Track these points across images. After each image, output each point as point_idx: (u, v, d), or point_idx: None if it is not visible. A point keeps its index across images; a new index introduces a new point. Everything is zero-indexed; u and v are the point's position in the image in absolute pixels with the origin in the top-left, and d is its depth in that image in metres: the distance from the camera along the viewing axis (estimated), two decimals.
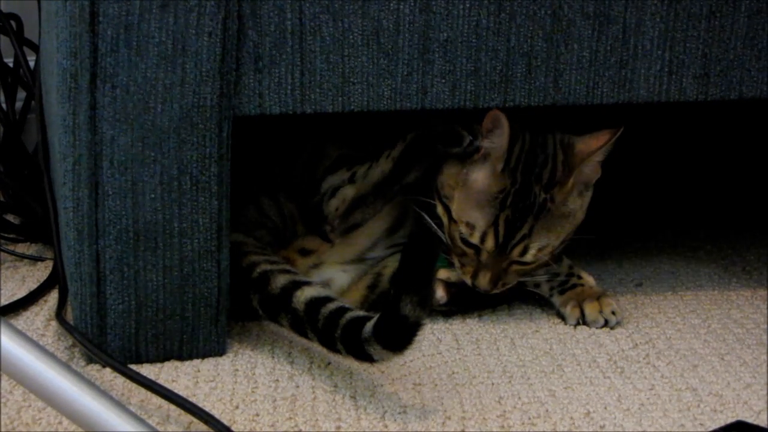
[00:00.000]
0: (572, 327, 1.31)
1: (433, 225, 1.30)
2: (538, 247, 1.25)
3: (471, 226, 1.25)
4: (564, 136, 1.27)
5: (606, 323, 1.31)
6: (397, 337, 1.05)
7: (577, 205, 1.27)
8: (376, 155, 1.28)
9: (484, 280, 1.26)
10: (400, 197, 1.31)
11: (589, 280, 1.37)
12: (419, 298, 1.03)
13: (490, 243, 1.25)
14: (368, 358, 1.08)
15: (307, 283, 1.20)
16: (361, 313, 1.12)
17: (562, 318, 1.34)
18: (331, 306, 1.14)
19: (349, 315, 1.12)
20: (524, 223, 1.24)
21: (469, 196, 1.25)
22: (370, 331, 1.06)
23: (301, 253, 1.33)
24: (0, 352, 0.89)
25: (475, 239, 1.25)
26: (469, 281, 1.27)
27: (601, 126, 1.26)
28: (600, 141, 1.24)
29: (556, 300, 1.35)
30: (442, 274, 1.30)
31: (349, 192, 1.29)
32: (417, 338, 1.05)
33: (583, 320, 1.32)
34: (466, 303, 1.33)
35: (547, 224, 1.25)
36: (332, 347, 1.12)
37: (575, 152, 1.25)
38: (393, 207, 1.34)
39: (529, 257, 1.25)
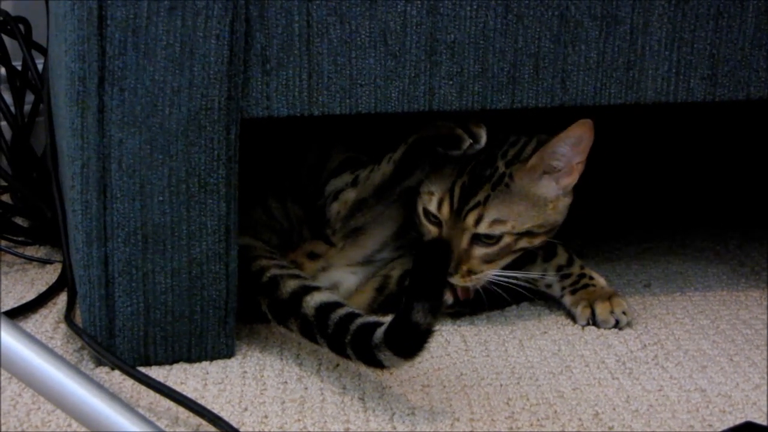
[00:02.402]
0: (581, 328, 1.31)
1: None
2: (493, 219, 1.25)
3: (431, 194, 1.27)
4: (544, 135, 1.29)
5: (617, 323, 1.31)
6: (408, 343, 1.05)
7: (544, 195, 1.27)
8: (379, 158, 1.28)
9: None
10: (402, 200, 1.31)
11: (600, 280, 1.37)
12: (430, 305, 1.03)
13: (445, 209, 1.26)
14: (378, 364, 1.08)
15: (317, 288, 1.20)
16: (371, 319, 1.12)
17: (573, 318, 1.33)
18: (341, 311, 1.14)
19: (359, 321, 1.12)
20: (479, 189, 1.25)
21: (435, 170, 1.27)
22: (381, 338, 1.07)
23: (309, 257, 1.33)
24: (9, 354, 0.89)
25: (432, 206, 1.27)
26: None
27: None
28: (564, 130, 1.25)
29: (567, 300, 1.35)
30: None
31: (350, 195, 1.29)
32: (427, 345, 1.05)
33: (593, 320, 1.32)
34: (474, 304, 1.33)
35: (506, 200, 1.26)
36: (342, 353, 1.13)
37: (545, 141, 1.27)
38: (401, 209, 1.34)
39: (483, 227, 1.25)
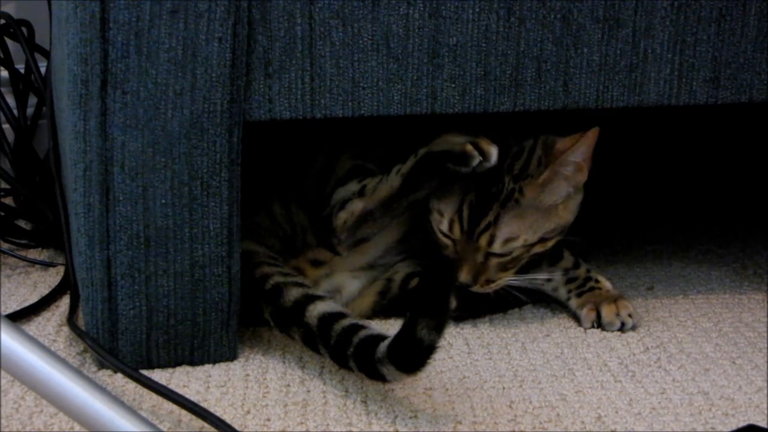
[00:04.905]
0: (583, 331, 1.31)
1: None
2: (506, 237, 1.26)
3: (440, 213, 1.28)
4: (549, 136, 1.28)
5: (622, 326, 1.31)
6: (412, 359, 1.05)
7: (556, 201, 1.27)
8: (388, 169, 1.28)
9: (463, 274, 1.26)
10: (409, 213, 1.31)
11: (606, 284, 1.36)
12: (435, 322, 1.03)
13: (456, 230, 1.27)
14: (381, 378, 1.08)
15: (320, 298, 1.19)
16: (375, 331, 1.12)
17: (577, 321, 1.33)
18: (345, 322, 1.14)
19: (362, 333, 1.11)
20: (489, 210, 1.25)
21: (442, 185, 1.27)
22: (384, 352, 1.07)
23: (312, 264, 1.33)
24: (12, 357, 0.89)
25: (444, 227, 1.27)
26: None
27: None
28: (573, 140, 1.24)
29: (573, 302, 1.35)
30: None
31: (357, 205, 1.28)
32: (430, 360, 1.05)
33: (598, 323, 1.32)
34: (477, 308, 1.33)
35: (517, 216, 1.26)
36: (344, 364, 1.13)
37: (554, 150, 1.26)
38: (405, 217, 1.33)
39: (496, 247, 1.26)
